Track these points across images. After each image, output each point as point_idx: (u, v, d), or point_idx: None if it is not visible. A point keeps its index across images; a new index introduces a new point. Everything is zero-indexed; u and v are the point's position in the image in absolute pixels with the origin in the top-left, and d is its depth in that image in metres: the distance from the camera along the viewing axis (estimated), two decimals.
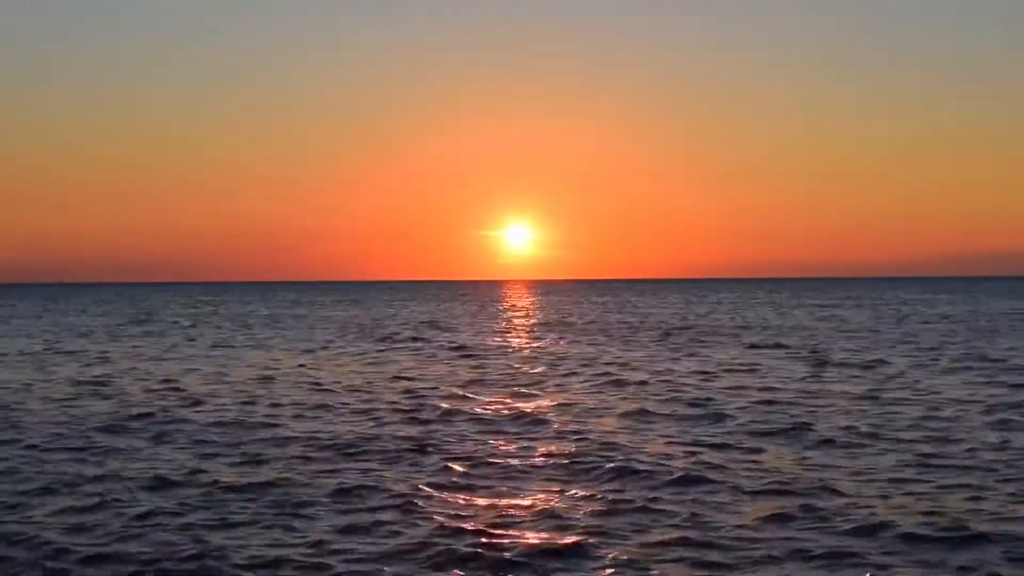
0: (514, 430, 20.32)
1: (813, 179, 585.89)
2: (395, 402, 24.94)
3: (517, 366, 35.45)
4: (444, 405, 23.96)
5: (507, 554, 11.33)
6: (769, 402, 24.17)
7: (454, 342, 48.45)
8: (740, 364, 34.90)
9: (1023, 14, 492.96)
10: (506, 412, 22.82)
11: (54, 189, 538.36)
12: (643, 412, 22.53)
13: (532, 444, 18.38)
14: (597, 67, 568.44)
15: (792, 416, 21.62)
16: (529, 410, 23.07)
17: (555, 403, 24.51)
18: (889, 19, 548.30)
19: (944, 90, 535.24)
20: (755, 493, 14.23)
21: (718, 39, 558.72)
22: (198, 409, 23.92)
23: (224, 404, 24.83)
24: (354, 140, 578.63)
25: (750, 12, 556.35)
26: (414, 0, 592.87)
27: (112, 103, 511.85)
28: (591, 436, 19.09)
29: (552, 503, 13.62)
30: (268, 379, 31.36)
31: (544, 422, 21.18)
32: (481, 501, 13.86)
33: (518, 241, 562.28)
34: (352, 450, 17.87)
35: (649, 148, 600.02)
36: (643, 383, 28.83)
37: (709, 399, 24.68)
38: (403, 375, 32.20)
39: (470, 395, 26.41)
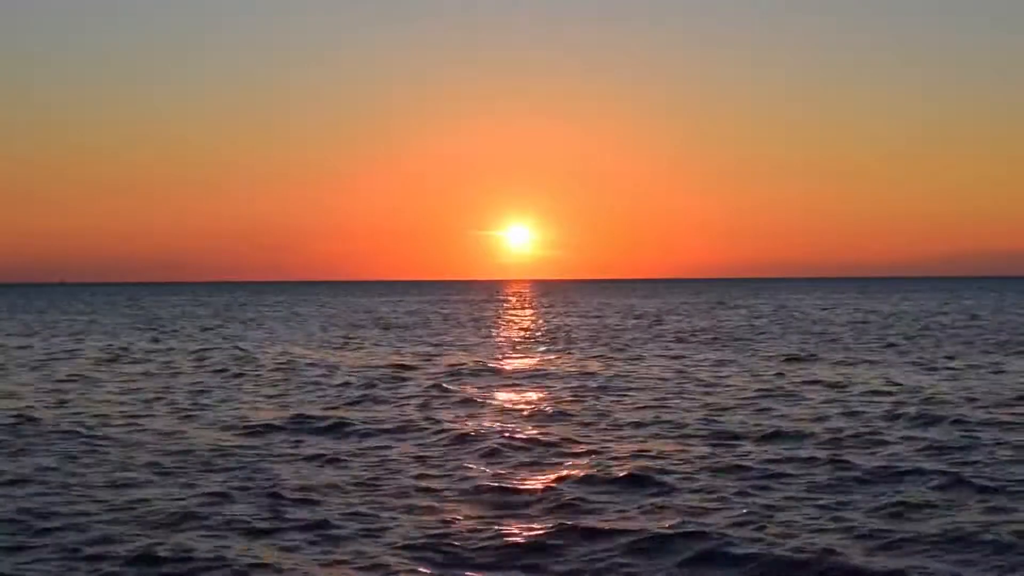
0: None
1: (813, 179, 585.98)
2: None
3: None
4: None
5: None
6: None
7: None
8: None
9: (1023, 14, 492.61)
10: None
11: (54, 189, 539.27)
12: None
13: None
14: (597, 67, 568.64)
15: None
16: None
17: None
18: (889, 18, 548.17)
19: (944, 90, 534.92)
20: None
21: (718, 39, 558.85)
22: None
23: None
24: (354, 140, 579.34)
25: (750, 12, 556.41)
26: (415, 0, 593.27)
27: (112, 103, 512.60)
28: None
29: None
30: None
31: None
32: None
33: (518, 241, 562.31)
34: None
35: (649, 148, 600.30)
36: None
37: None
38: None
39: None
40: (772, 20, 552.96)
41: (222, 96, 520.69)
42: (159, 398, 26.75)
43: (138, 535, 12.45)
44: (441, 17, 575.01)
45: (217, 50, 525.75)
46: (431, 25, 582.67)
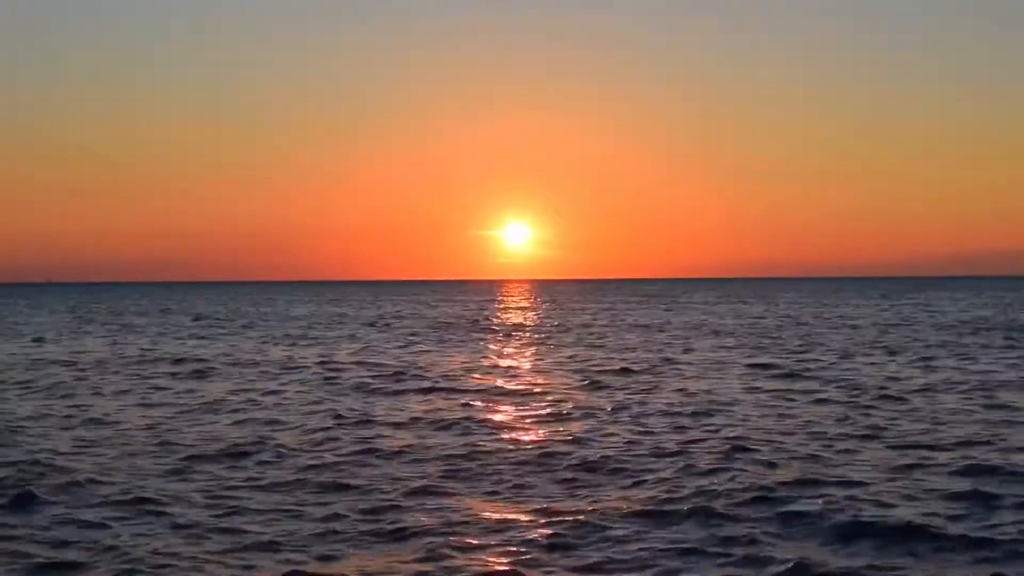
0: None
1: (813, 179, 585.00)
2: None
3: None
4: None
5: None
6: None
7: None
8: None
9: (1023, 14, 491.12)
10: None
11: (54, 189, 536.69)
12: None
13: None
14: (597, 66, 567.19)
15: None
16: None
17: None
18: (896, 18, 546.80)
19: (945, 90, 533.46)
20: None
21: (718, 38, 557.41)
22: None
23: None
24: (352, 140, 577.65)
25: (751, 11, 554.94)
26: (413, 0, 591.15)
27: (111, 103, 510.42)
28: None
29: None
30: None
31: None
32: None
33: (517, 241, 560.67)
34: None
35: (649, 148, 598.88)
36: None
37: None
38: None
39: None
40: (776, 19, 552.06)
41: (221, 96, 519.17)
42: None
43: None
44: (440, 16, 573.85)
45: (216, 50, 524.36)
46: (430, 24, 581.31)
